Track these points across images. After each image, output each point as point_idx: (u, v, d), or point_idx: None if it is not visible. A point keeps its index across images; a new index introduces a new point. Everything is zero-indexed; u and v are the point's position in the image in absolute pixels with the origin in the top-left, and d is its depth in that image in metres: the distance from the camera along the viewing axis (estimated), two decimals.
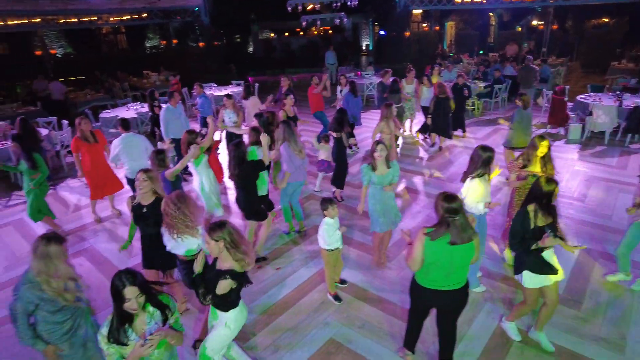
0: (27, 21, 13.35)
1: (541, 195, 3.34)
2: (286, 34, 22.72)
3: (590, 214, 6.13)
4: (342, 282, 4.75)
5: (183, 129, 7.39)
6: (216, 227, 2.91)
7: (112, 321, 2.40)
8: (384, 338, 3.97)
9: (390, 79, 9.26)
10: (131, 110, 10.76)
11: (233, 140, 5.47)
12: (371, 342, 3.92)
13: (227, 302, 3.01)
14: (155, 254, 3.97)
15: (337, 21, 13.11)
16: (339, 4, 11.86)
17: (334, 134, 6.42)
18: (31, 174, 5.64)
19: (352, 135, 9.13)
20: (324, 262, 4.38)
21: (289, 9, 11.99)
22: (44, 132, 9.10)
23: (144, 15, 15.30)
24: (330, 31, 23.44)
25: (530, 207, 3.39)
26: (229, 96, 7.70)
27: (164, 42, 20.05)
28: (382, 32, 21.76)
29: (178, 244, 3.58)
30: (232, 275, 2.86)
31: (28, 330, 2.85)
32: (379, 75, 10.26)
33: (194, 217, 3.51)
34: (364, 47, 26.84)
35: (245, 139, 5.62)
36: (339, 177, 6.69)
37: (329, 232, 4.18)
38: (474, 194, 4.19)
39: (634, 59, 15.78)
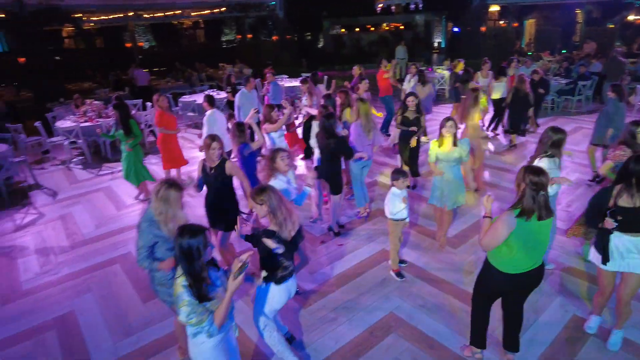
0: (121, 15, 14.59)
1: (630, 173, 3.08)
2: (357, 29, 22.77)
3: None
4: (402, 261, 4.71)
5: (254, 114, 7.92)
6: (259, 190, 3.00)
7: (191, 285, 2.33)
8: (445, 318, 3.89)
9: (463, 69, 8.98)
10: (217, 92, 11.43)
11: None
12: (432, 321, 3.86)
13: (268, 265, 3.01)
14: (217, 214, 4.28)
15: (413, 6, 12.86)
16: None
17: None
18: (126, 138, 6.21)
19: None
20: (390, 232, 4.39)
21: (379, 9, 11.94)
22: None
23: (223, 9, 16.10)
24: (401, 27, 23.12)
25: (617, 187, 3.15)
26: (304, 81, 7.93)
27: (239, 36, 20.94)
28: (455, 29, 21.08)
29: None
30: (266, 234, 2.91)
31: (146, 259, 3.03)
32: (452, 66, 9.96)
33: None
34: (435, 45, 26.20)
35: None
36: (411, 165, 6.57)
37: (393, 202, 4.18)
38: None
39: None
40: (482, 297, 3.24)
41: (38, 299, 4.55)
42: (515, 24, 20.68)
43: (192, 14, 16.07)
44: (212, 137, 4.18)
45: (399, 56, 17.03)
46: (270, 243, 2.89)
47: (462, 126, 6.22)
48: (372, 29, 22.98)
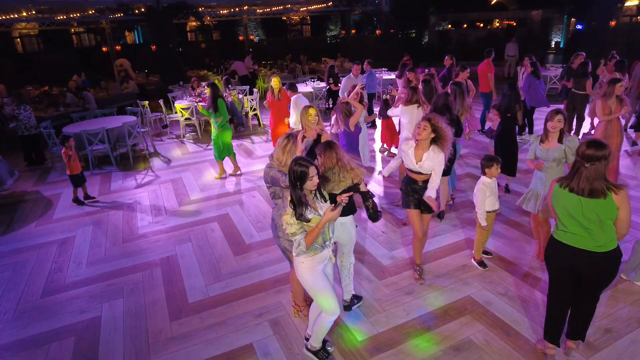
0: (237, 9, 15.86)
1: None
2: (464, 25, 21.80)
3: None
4: (487, 252, 4.50)
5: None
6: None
7: (293, 204, 2.73)
8: (525, 308, 3.67)
9: (580, 62, 8.13)
10: (309, 86, 11.92)
11: None
12: (511, 309, 3.67)
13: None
14: None
15: None
16: None
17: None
18: (216, 117, 6.76)
19: (530, 121, 8.43)
20: (477, 224, 4.18)
21: None
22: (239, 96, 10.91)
23: (329, 3, 16.60)
24: (514, 24, 21.60)
25: None
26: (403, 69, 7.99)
27: (343, 31, 21.40)
28: (578, 26, 19.06)
29: None
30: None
31: None
32: (570, 62, 9.06)
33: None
34: (552, 45, 23.93)
35: None
36: (509, 164, 5.98)
37: (483, 192, 4.01)
38: None
39: None
40: (551, 279, 3.01)
41: (149, 242, 5.27)
42: None
43: (302, 9, 16.79)
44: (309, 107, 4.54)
45: (509, 53, 16.04)
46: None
47: (596, 122, 5.69)
48: (481, 25, 21.82)
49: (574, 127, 8.23)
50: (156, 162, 8.47)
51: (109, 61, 16.65)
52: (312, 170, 2.68)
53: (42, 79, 15.92)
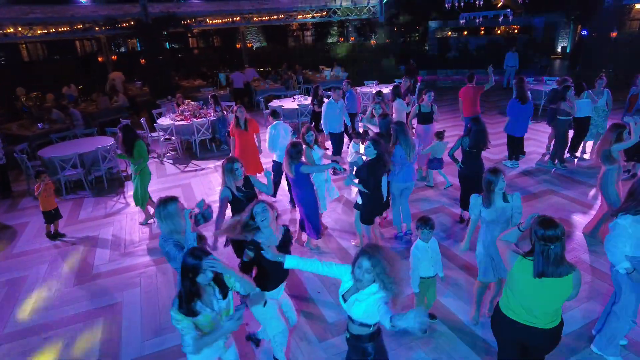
0: (230, 20, 15.74)
1: None
2: (465, 32, 21.36)
3: None
4: (432, 317, 4.12)
5: (340, 124, 7.89)
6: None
7: (181, 297, 2.55)
8: None
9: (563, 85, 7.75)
10: (295, 102, 11.69)
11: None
12: None
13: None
14: None
15: (502, 19, 11.60)
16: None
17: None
18: (133, 161, 6.16)
19: (521, 148, 8.11)
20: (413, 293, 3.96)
21: (447, 5, 11.15)
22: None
23: (324, 13, 16.37)
24: (516, 30, 21.08)
25: None
26: (378, 93, 7.71)
27: (342, 39, 21.13)
28: (584, 32, 18.48)
29: None
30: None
31: None
32: (557, 82, 8.70)
33: None
34: (559, 50, 23.31)
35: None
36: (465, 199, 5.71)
37: (416, 258, 3.76)
38: (617, 239, 3.19)
39: None
40: (500, 349, 2.98)
41: (100, 285, 5.13)
42: None
43: (298, 17, 16.59)
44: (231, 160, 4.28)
45: (508, 64, 15.57)
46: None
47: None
48: (482, 32, 21.35)
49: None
50: (130, 187, 8.35)
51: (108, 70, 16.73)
52: (206, 264, 2.48)
53: (42, 86, 15.97)
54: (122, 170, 9.03)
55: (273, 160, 6.69)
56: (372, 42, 16.50)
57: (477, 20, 11.77)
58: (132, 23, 13.67)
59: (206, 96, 14.07)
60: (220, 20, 16.21)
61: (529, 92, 7.69)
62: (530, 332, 2.67)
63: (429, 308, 4.05)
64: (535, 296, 2.59)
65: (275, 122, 6.60)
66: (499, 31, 21.45)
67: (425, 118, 7.59)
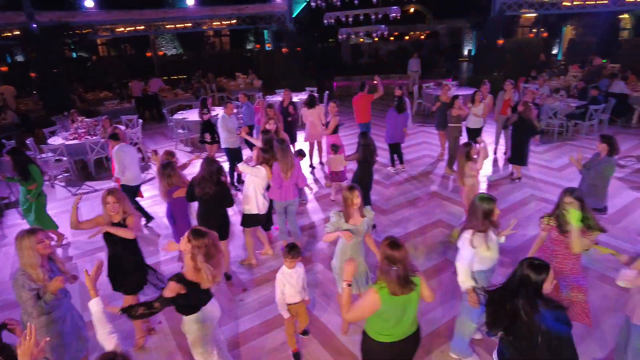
0: (133, 28, 15.06)
1: None
2: (376, 39, 22.28)
3: None
4: (305, 333, 4.23)
5: (235, 139, 7.77)
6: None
7: None
8: None
9: (451, 95, 8.38)
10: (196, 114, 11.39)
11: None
12: None
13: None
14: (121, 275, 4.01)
15: (375, 34, 12.30)
16: (381, 15, 11.07)
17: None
18: (26, 185, 5.79)
19: (399, 155, 8.55)
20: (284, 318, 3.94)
21: (325, 22, 11.60)
22: (121, 127, 10.22)
23: (233, 21, 16.23)
24: (422, 37, 22.36)
25: None
26: (269, 106, 7.73)
27: (258, 45, 21.06)
28: (482, 39, 20.09)
29: None
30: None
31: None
32: (439, 88, 9.35)
33: None
34: (465, 53, 25.11)
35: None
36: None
37: (280, 284, 3.76)
38: (463, 255, 3.41)
39: None
40: None
41: None
42: (545, 34, 19.35)
43: (204, 27, 16.28)
44: (109, 191, 3.85)
45: (412, 69, 16.47)
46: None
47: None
48: (392, 38, 22.41)
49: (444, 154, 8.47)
50: (12, 215, 7.68)
51: None
52: None
53: None
54: (5, 197, 8.28)
55: (121, 185, 6.29)
56: (284, 49, 16.59)
57: (352, 36, 12.25)
58: (18, 32, 12.56)
59: (110, 109, 13.38)
60: (123, 30, 15.44)
61: (408, 102, 8.19)
62: (405, 342, 2.85)
63: (302, 327, 4.13)
64: (404, 311, 2.76)
65: (118, 145, 6.22)
66: (407, 37, 22.60)
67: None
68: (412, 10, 27.05)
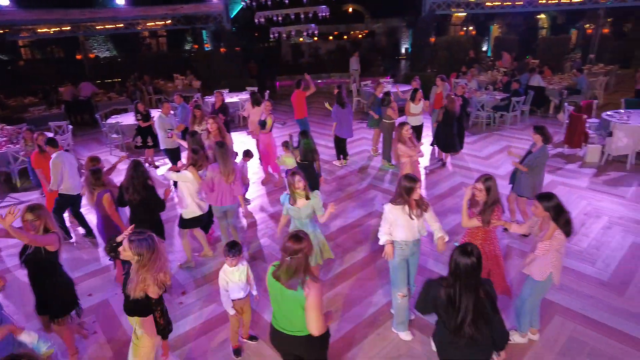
0: (59, 29, 14.20)
1: None
2: (315, 38, 22.55)
3: (577, 260, 5.28)
4: (253, 338, 4.18)
5: (170, 139, 7.60)
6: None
7: None
8: None
9: (384, 91, 8.71)
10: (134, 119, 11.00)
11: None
12: None
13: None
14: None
15: (305, 33, 12.62)
16: (310, 14, 11.35)
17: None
18: None
19: (344, 150, 8.77)
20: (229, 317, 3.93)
21: (256, 21, 11.71)
22: (49, 134, 9.60)
23: (168, 22, 15.77)
24: (360, 36, 22.95)
25: None
26: (197, 107, 7.64)
27: (196, 46, 20.59)
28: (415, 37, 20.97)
29: None
30: None
31: None
32: (373, 87, 9.69)
33: None
34: (403, 51, 26.01)
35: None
36: None
37: (223, 281, 3.73)
38: (383, 219, 3.84)
39: None
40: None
41: None
42: (474, 32, 20.57)
43: (138, 27, 15.67)
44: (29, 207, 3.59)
45: (353, 67, 16.88)
46: None
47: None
48: (331, 38, 22.82)
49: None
50: None
51: None
52: None
53: None
54: None
55: (60, 194, 5.97)
56: (222, 49, 16.36)
57: (283, 35, 12.42)
58: None
59: (35, 116, 12.52)
60: (48, 30, 14.50)
61: (347, 98, 8.46)
62: (290, 338, 2.77)
63: (247, 326, 4.13)
64: (280, 302, 2.75)
65: (56, 152, 5.91)
66: (345, 37, 23.06)
67: (263, 126, 7.77)
68: (350, 10, 27.66)
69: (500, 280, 4.04)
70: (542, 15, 23.67)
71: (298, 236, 2.69)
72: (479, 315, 2.53)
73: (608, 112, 8.95)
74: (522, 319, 3.85)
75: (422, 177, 7.99)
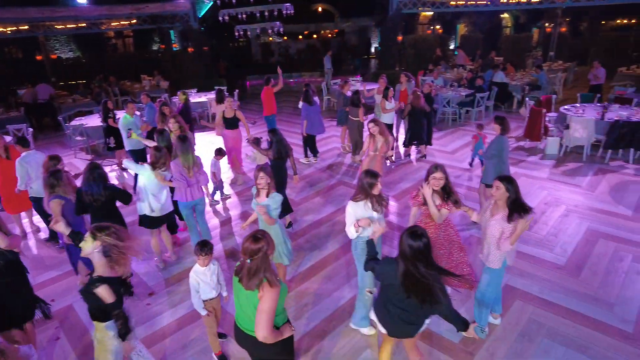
0: (15, 28, 13.65)
1: None
2: (285, 37, 22.52)
3: (537, 247, 5.51)
4: (222, 335, 4.14)
5: (134, 140, 7.44)
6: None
7: None
8: None
9: (352, 90, 8.83)
10: (99, 119, 10.72)
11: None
12: None
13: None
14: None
15: (270, 30, 12.68)
16: (275, 12, 11.38)
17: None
18: None
19: (313, 146, 8.82)
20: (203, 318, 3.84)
21: (220, 19, 11.67)
22: (8, 138, 9.23)
23: (133, 21, 15.40)
24: (329, 35, 23.09)
25: None
26: (164, 104, 7.54)
27: (163, 46, 20.19)
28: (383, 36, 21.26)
29: None
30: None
31: None
32: (339, 86, 9.75)
33: None
34: (373, 50, 26.31)
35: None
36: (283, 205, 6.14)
37: (194, 282, 3.63)
38: (347, 217, 3.80)
39: None
40: None
41: None
42: (440, 30, 21.04)
43: (102, 27, 15.25)
44: None
45: (326, 66, 17.02)
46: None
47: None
48: (300, 37, 22.85)
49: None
50: None
51: None
52: None
53: None
54: None
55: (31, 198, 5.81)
56: (190, 49, 16.12)
57: (249, 33, 12.41)
58: None
59: None
60: (4, 30, 13.91)
61: (316, 96, 8.51)
62: (247, 337, 2.77)
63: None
64: (240, 299, 2.75)
65: (25, 152, 5.72)
66: (315, 36, 23.14)
67: (230, 123, 7.72)
68: (320, 9, 27.77)
69: (465, 266, 4.15)
70: (506, 15, 24.45)
71: (256, 236, 2.66)
72: (424, 298, 2.66)
73: (565, 106, 9.37)
74: (483, 312, 3.90)
75: (388, 172, 8.14)
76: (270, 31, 12.08)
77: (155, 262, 5.39)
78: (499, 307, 4.12)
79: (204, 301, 3.70)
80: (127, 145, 7.68)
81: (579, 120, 8.32)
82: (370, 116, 8.15)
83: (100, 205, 4.47)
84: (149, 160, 5.23)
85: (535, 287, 4.66)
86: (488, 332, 4.02)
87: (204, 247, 3.61)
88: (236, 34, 12.00)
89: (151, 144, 5.84)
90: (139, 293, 4.89)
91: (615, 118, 8.17)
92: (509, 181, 3.52)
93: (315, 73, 17.41)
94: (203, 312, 3.68)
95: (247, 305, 2.71)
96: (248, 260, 2.61)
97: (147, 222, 5.13)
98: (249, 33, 11.91)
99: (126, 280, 3.07)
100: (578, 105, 9.55)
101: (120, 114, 8.45)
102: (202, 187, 5.33)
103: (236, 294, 2.80)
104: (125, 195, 4.69)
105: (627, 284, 4.65)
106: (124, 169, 8.07)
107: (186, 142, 5.03)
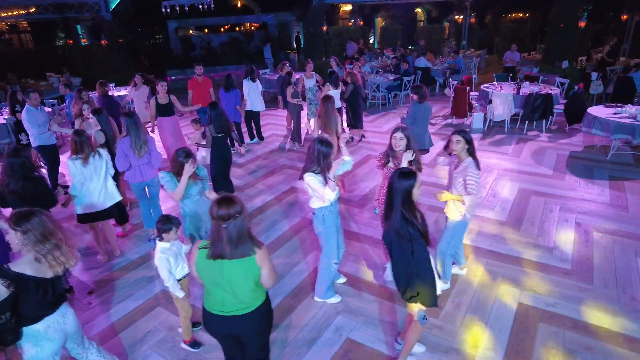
0: None
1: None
2: (206, 30, 21.73)
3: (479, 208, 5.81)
4: (196, 324, 3.77)
5: (49, 135, 6.61)
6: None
7: None
8: None
9: (286, 71, 8.73)
10: (1, 117, 9.45)
11: None
12: None
13: None
14: None
15: (201, 6, 12.33)
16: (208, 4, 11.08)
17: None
18: None
19: (258, 129, 8.68)
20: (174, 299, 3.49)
21: (163, 10, 11.15)
22: None
23: (32, 10, 13.78)
24: (252, 28, 22.74)
25: None
26: (79, 90, 6.89)
27: (70, 41, 18.42)
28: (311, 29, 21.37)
29: None
30: None
31: None
32: (278, 69, 9.68)
33: None
34: (295, 45, 26.32)
35: None
36: (224, 184, 5.93)
37: (164, 262, 3.25)
38: (314, 188, 3.60)
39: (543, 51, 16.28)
40: (220, 344, 2.79)
41: None
42: (361, 23, 21.67)
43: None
44: None
45: (266, 56, 16.85)
46: None
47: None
48: (222, 30, 22.21)
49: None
50: None
51: None
52: None
53: None
54: None
55: None
56: (103, 42, 14.87)
57: (177, 8, 11.92)
58: None
59: None
60: None
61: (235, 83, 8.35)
62: (234, 320, 2.52)
63: None
64: (221, 283, 2.45)
65: None
66: (237, 29, 22.62)
67: (164, 110, 7.22)
68: (239, 4, 27.18)
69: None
70: (419, 10, 25.88)
71: (227, 198, 2.39)
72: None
73: (485, 85, 10.11)
74: (446, 266, 4.04)
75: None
76: (200, 7, 11.43)
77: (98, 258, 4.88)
78: (463, 259, 4.30)
79: (178, 281, 3.36)
80: (34, 141, 6.71)
81: (499, 94, 9.01)
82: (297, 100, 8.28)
83: (20, 198, 3.85)
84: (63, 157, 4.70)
85: (484, 242, 4.94)
86: (454, 279, 4.21)
87: (167, 221, 3.27)
88: (163, 10, 11.25)
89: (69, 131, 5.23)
90: (77, 294, 4.37)
91: (528, 92, 8.97)
92: (465, 132, 3.69)
93: (240, 66, 16.98)
94: (181, 294, 3.34)
95: (242, 281, 2.44)
96: (224, 226, 2.34)
97: (85, 217, 4.61)
98: (177, 9, 11.23)
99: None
100: (495, 83, 10.36)
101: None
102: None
103: (214, 281, 2.46)
104: (49, 197, 4.02)
105: (560, 230, 5.12)
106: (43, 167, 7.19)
107: (134, 117, 4.64)
